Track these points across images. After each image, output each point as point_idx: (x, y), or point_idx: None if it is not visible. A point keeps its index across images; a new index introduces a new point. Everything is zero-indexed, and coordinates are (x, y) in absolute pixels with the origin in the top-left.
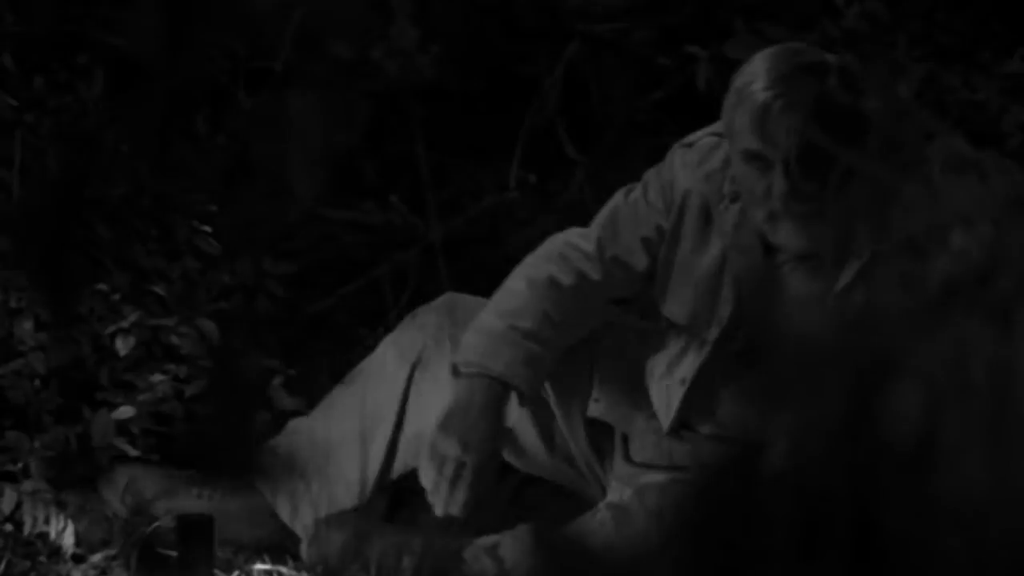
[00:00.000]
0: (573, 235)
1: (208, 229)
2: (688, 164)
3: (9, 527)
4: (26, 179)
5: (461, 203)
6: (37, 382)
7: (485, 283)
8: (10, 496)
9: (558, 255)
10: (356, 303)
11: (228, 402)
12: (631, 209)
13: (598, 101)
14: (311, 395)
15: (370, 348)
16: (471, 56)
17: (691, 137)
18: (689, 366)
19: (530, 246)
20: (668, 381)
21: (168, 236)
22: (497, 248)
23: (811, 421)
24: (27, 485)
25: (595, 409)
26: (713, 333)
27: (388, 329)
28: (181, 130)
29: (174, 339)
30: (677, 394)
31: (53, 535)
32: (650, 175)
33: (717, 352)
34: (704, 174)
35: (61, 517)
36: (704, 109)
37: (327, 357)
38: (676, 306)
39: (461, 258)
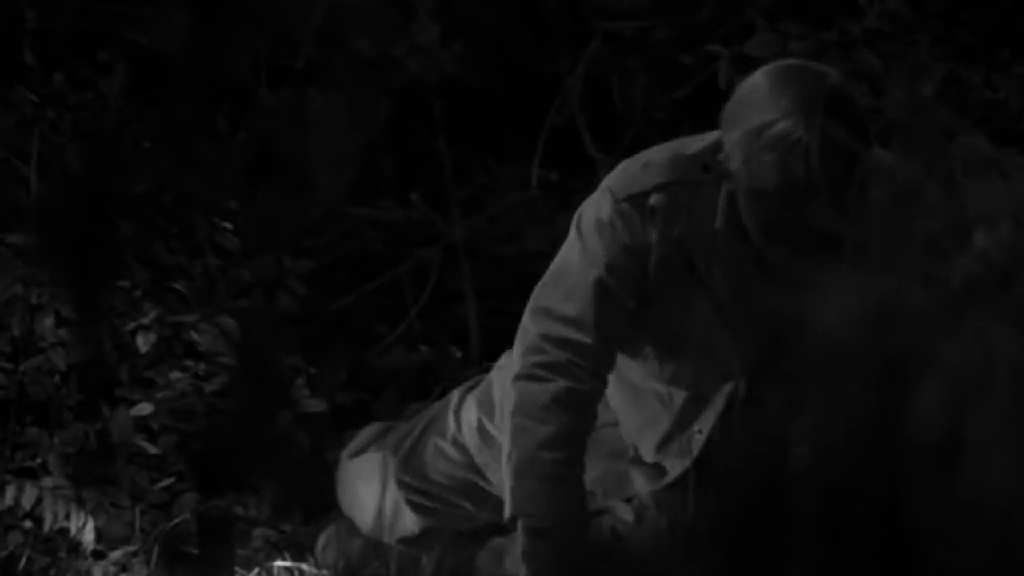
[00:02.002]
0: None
1: (229, 226)
2: (660, 223)
3: (29, 523)
4: (47, 175)
5: (482, 201)
6: (57, 378)
7: (506, 281)
8: (30, 492)
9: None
10: (377, 301)
11: (250, 400)
12: (608, 303)
13: (619, 99)
14: (331, 393)
15: (390, 346)
16: (493, 53)
17: (630, 193)
18: (708, 421)
19: (552, 244)
20: (679, 435)
21: (189, 233)
22: (518, 246)
23: (836, 422)
24: (47, 481)
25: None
26: (728, 388)
27: (409, 327)
28: (202, 127)
29: (194, 336)
30: (697, 443)
31: (73, 531)
32: (607, 255)
33: (731, 402)
34: (680, 231)
35: (81, 513)
36: (725, 106)
37: (347, 355)
38: (677, 372)
39: (482, 256)
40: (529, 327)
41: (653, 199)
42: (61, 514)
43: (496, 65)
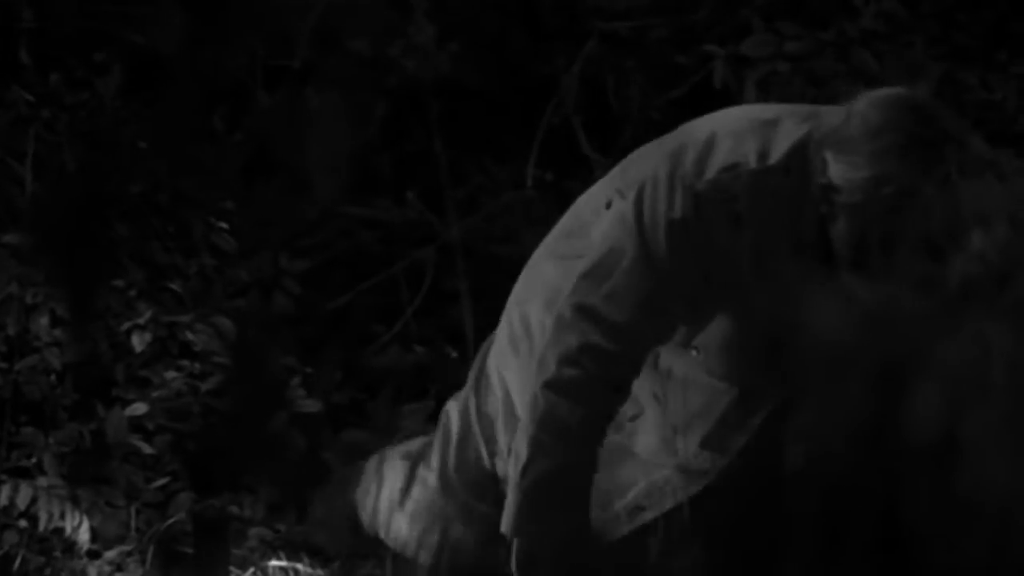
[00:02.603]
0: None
1: (225, 226)
2: (745, 229)
3: (24, 523)
4: (43, 175)
5: (478, 201)
6: (53, 378)
7: (502, 281)
8: (25, 492)
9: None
10: (373, 300)
11: (245, 400)
12: (662, 317)
13: (615, 99)
14: (327, 393)
15: (385, 346)
16: (489, 53)
17: (716, 195)
18: (755, 421)
19: None
20: (724, 432)
21: (185, 233)
22: (514, 246)
23: (833, 422)
24: (42, 481)
25: None
26: (778, 392)
27: (405, 326)
28: (199, 127)
29: (190, 336)
30: (737, 443)
31: (68, 531)
32: (674, 266)
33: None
34: (759, 237)
35: (76, 513)
36: (721, 107)
37: (343, 355)
38: (730, 368)
39: (478, 256)
40: (570, 327)
41: (740, 204)
42: (56, 513)
43: (492, 65)
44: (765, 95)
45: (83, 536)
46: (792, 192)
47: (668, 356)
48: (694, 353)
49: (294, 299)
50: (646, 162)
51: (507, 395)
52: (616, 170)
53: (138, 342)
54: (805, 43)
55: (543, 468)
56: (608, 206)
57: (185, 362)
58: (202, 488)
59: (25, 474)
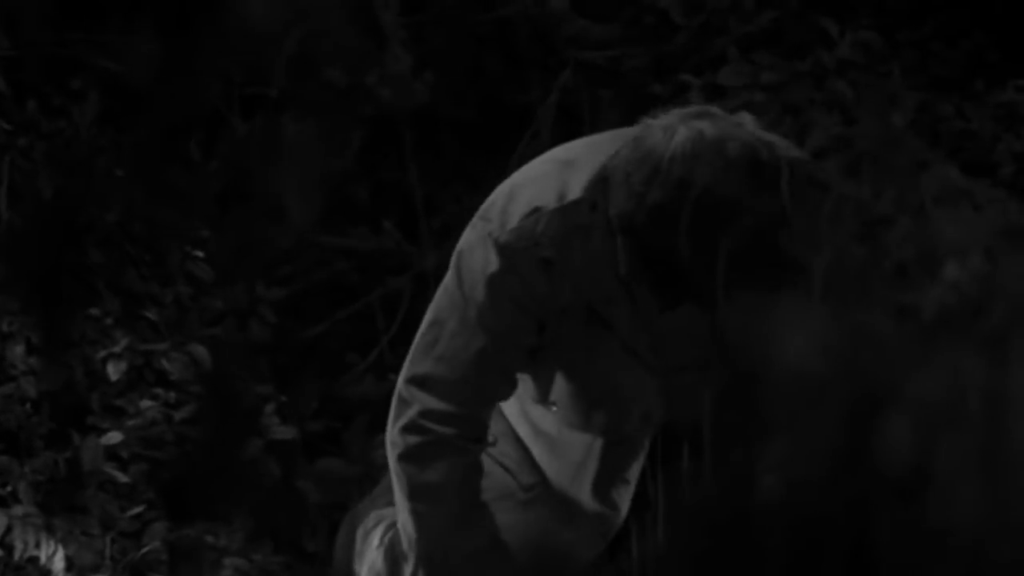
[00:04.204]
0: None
1: (201, 254)
2: (558, 275)
3: (0, 551)
4: (19, 203)
5: (454, 230)
6: (28, 406)
7: None
8: (0, 520)
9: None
10: (348, 329)
11: (220, 428)
12: (494, 373)
13: (591, 129)
14: (302, 422)
15: (361, 375)
16: (465, 83)
17: (522, 244)
18: (635, 470)
19: None
20: (609, 484)
21: (161, 261)
22: None
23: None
24: (17, 509)
25: None
26: (647, 433)
27: (380, 355)
28: (175, 155)
29: (165, 364)
30: (626, 494)
31: (43, 559)
32: (495, 320)
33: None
34: (578, 279)
35: (51, 542)
36: None
37: (318, 384)
38: (589, 419)
39: None
40: (407, 401)
41: (547, 251)
42: (31, 542)
43: (468, 95)
44: None
45: (58, 565)
46: (604, 226)
47: (536, 414)
48: (553, 408)
49: (270, 327)
50: (465, 231)
51: None
52: None
53: (114, 370)
54: (781, 73)
55: (429, 533)
56: None
57: (160, 391)
58: (177, 517)
59: (0, 503)
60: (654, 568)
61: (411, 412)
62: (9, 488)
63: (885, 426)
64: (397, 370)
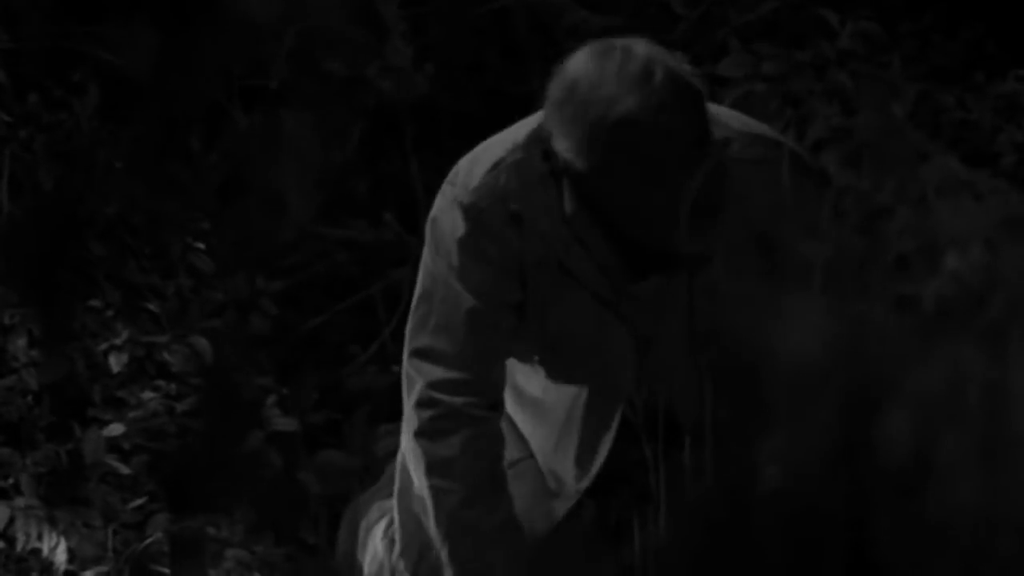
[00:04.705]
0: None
1: (202, 246)
2: (527, 226)
3: (1, 544)
4: (20, 195)
5: None
6: (30, 398)
7: None
8: (2, 513)
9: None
10: (349, 321)
11: (222, 420)
12: (487, 330)
13: None
14: (303, 413)
15: (362, 366)
16: (465, 74)
17: (488, 201)
18: (606, 442)
19: None
20: (588, 457)
21: (162, 253)
22: None
23: (804, 443)
24: (19, 501)
25: None
26: (627, 387)
27: (382, 347)
28: (175, 148)
29: (167, 356)
30: (596, 463)
31: (45, 551)
32: (475, 278)
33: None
34: (543, 228)
35: (53, 534)
36: None
37: (319, 375)
38: (567, 371)
39: None
40: (413, 376)
41: (515, 204)
42: (33, 534)
43: (468, 86)
44: None
45: (60, 557)
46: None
47: (521, 379)
48: (536, 360)
49: (271, 319)
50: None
51: None
52: None
53: (115, 362)
54: (782, 63)
55: (449, 508)
56: None
57: (162, 382)
58: (179, 509)
59: (2, 495)
60: (656, 561)
61: (419, 386)
62: (11, 480)
63: (885, 418)
64: (398, 361)
